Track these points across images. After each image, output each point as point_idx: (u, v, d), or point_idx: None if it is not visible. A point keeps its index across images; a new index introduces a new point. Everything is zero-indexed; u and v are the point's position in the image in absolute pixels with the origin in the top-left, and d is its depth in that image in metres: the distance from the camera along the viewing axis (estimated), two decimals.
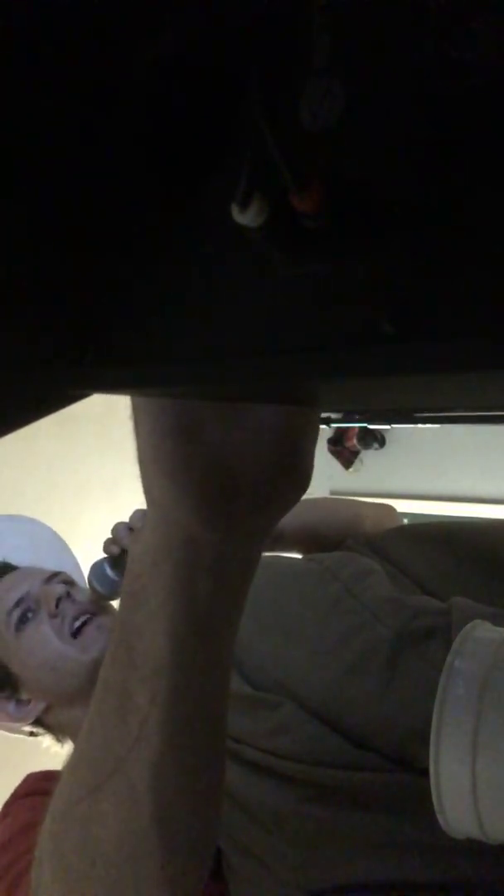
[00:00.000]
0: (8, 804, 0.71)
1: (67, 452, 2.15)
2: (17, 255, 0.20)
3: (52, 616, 0.82)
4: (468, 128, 0.16)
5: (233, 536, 0.32)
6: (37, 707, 0.83)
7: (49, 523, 1.15)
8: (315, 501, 1.03)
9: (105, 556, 0.85)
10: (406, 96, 0.17)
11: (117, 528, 0.85)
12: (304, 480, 0.34)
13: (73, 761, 0.39)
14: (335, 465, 3.08)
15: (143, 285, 0.22)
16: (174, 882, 0.37)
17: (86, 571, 0.90)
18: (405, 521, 1.04)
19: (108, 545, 0.85)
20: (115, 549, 0.84)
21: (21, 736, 0.88)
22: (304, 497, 0.36)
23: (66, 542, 1.15)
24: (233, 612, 0.36)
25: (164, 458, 0.30)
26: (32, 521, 1.10)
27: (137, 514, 0.86)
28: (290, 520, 0.92)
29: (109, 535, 0.86)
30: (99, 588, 0.84)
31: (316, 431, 0.34)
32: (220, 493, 0.31)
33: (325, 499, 1.12)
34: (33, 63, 0.19)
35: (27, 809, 0.67)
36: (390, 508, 1.06)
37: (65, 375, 0.23)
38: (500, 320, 0.16)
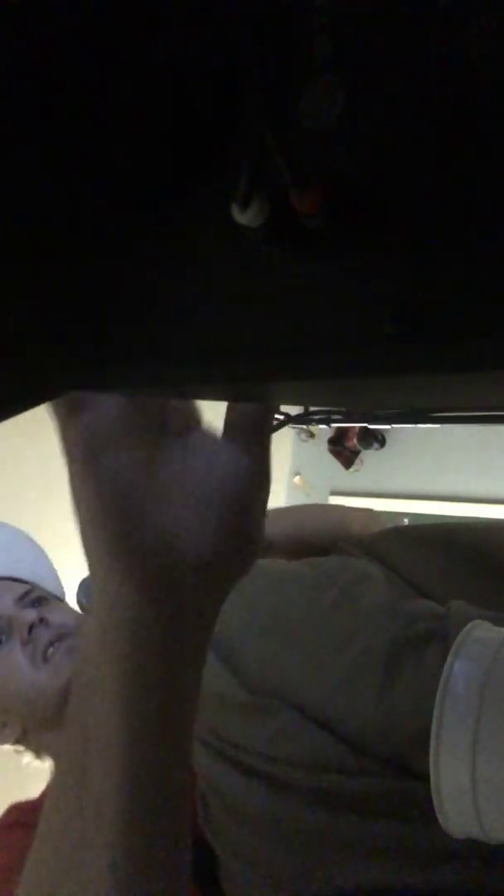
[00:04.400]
0: None
1: None
2: (18, 254, 0.20)
3: (24, 643, 0.81)
4: (469, 127, 0.16)
5: (181, 613, 0.31)
6: (13, 732, 0.82)
7: (47, 523, 1.13)
8: (301, 508, 1.03)
9: None
10: (406, 96, 0.17)
11: None
12: (253, 549, 0.33)
13: (37, 844, 0.37)
14: (335, 465, 3.08)
15: (143, 285, 0.22)
16: None
17: (76, 582, 0.89)
18: (405, 521, 1.05)
19: None
20: None
21: (9, 749, 0.88)
22: (301, 503, 0.35)
23: (64, 542, 1.13)
24: (187, 684, 0.34)
25: (105, 538, 0.29)
26: (3, 527, 1.08)
27: None
28: (278, 528, 0.92)
29: None
30: (88, 604, 0.83)
31: (266, 496, 0.33)
32: (165, 572, 0.30)
33: (310, 505, 1.12)
34: (35, 64, 0.19)
35: (10, 847, 0.65)
36: (373, 512, 1.07)
37: (65, 375, 0.23)
38: (501, 320, 0.16)
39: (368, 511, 1.06)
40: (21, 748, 0.85)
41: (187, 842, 0.38)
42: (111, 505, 0.29)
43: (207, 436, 0.33)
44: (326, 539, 0.89)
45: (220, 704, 0.63)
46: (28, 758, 0.86)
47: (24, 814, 0.71)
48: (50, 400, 0.24)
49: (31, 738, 0.83)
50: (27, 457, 2.12)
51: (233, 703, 0.63)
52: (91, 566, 0.31)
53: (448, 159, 0.16)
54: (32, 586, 0.89)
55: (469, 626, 0.50)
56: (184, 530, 0.30)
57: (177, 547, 0.30)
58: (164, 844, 0.35)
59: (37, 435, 2.09)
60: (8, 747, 0.85)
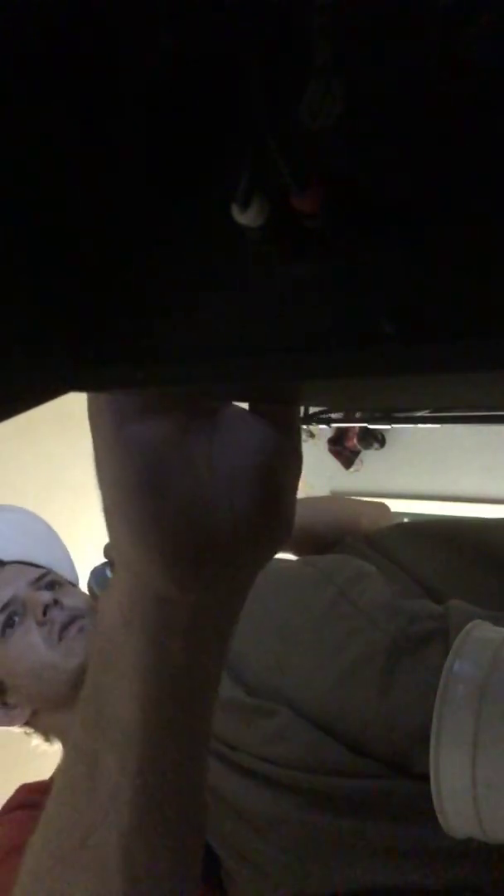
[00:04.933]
0: None
1: (67, 452, 2.15)
2: (17, 253, 0.20)
3: (40, 624, 0.81)
4: (469, 127, 0.16)
5: (207, 595, 0.30)
6: (23, 712, 0.83)
7: (49, 523, 1.14)
8: (312, 500, 1.03)
9: (105, 560, 0.85)
10: (407, 96, 0.17)
11: None
12: (284, 531, 0.31)
13: (43, 825, 0.37)
14: (335, 465, 3.08)
15: (143, 285, 0.22)
16: None
17: (86, 574, 0.89)
18: (406, 520, 1.05)
19: (108, 550, 0.84)
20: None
21: (18, 732, 0.88)
22: (304, 496, 0.34)
23: (66, 542, 1.14)
24: (211, 675, 0.34)
25: (128, 514, 0.28)
26: (21, 511, 1.06)
27: None
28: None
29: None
30: (99, 592, 0.83)
31: (297, 473, 0.32)
32: (191, 551, 0.28)
33: (321, 497, 1.12)
34: (33, 63, 0.19)
35: (16, 826, 0.65)
36: (385, 507, 1.06)
37: (65, 375, 0.23)
38: (501, 320, 0.16)
39: (380, 505, 1.06)
40: (30, 730, 0.86)
41: (201, 835, 0.37)
42: (137, 478, 0.27)
43: (237, 412, 0.31)
44: (336, 532, 0.89)
45: (218, 706, 0.63)
46: (37, 740, 0.86)
47: (33, 794, 0.71)
48: (49, 400, 0.24)
49: (41, 719, 0.84)
50: (28, 456, 2.12)
51: (230, 705, 0.63)
52: (114, 542, 0.30)
53: (448, 159, 0.16)
54: (47, 570, 0.90)
55: (469, 626, 0.50)
56: (213, 507, 0.29)
57: (205, 524, 0.28)
58: (178, 835, 0.35)
59: (37, 434, 2.09)
60: (17, 729, 0.86)
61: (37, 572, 0.88)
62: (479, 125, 0.16)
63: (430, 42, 0.16)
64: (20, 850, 0.38)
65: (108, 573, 0.83)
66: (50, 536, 1.05)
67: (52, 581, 0.87)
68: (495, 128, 0.16)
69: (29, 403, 0.22)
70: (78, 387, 0.24)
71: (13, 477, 2.05)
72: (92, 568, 0.86)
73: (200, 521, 0.28)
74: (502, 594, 0.65)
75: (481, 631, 0.50)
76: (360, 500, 1.07)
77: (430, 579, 0.72)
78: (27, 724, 0.84)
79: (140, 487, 0.27)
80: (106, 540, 0.90)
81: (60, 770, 0.36)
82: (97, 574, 0.84)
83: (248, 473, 0.29)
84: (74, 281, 0.22)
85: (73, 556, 1.10)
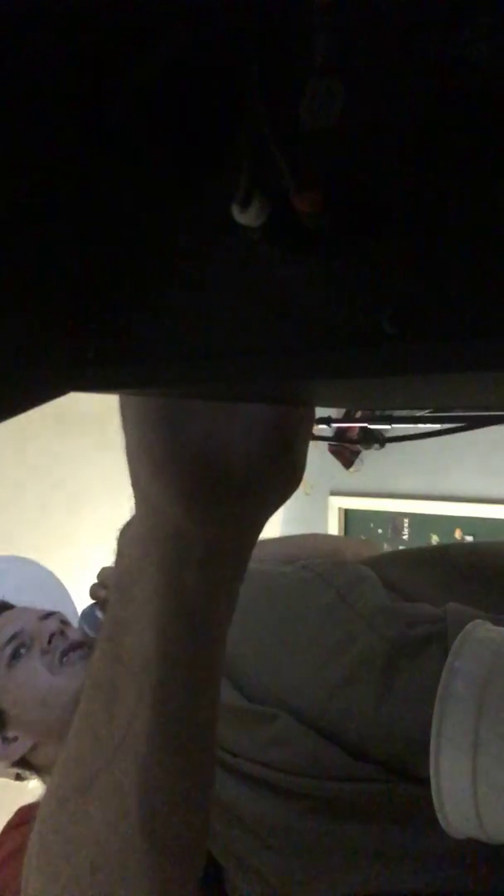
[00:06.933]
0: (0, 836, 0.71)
1: (67, 452, 2.15)
2: (18, 254, 0.20)
3: (44, 652, 0.83)
4: (469, 126, 0.16)
5: (221, 531, 0.32)
6: (24, 745, 0.83)
7: (49, 524, 1.16)
8: (294, 536, 1.06)
9: (93, 601, 0.86)
10: (407, 95, 0.17)
11: (104, 572, 0.85)
12: (295, 477, 0.33)
13: (63, 760, 0.38)
14: (335, 465, 3.08)
15: (143, 285, 0.22)
16: (160, 889, 0.36)
17: (87, 577, 0.90)
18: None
19: (95, 590, 0.86)
20: (103, 593, 0.84)
21: (9, 776, 0.88)
22: (301, 504, 0.36)
23: (66, 542, 1.16)
24: (222, 608, 0.35)
25: (149, 448, 0.30)
26: (34, 564, 1.13)
27: (106, 572, 0.86)
28: (270, 555, 0.93)
29: (96, 580, 0.86)
30: (90, 633, 0.85)
31: (310, 427, 0.34)
32: (208, 487, 0.30)
33: (304, 535, 1.14)
34: (35, 60, 0.19)
35: (18, 838, 0.66)
36: (370, 543, 1.08)
37: (65, 375, 0.23)
38: (501, 320, 0.16)
39: (365, 541, 1.08)
40: (25, 771, 0.85)
41: (211, 773, 0.38)
42: (158, 415, 0.30)
43: None
44: None
45: (219, 712, 0.63)
46: (34, 782, 0.87)
47: (32, 811, 0.71)
48: (49, 400, 0.24)
49: (40, 753, 0.84)
50: (28, 457, 2.12)
51: (230, 711, 0.63)
52: (135, 479, 0.31)
53: (448, 159, 0.16)
54: (54, 612, 0.93)
55: (470, 625, 0.50)
56: (229, 449, 0.30)
57: (221, 463, 0.30)
58: (192, 764, 0.36)
59: (37, 435, 2.10)
60: (10, 771, 0.86)
61: (46, 610, 0.91)
62: (480, 125, 0.16)
63: (430, 42, 0.16)
64: (24, 853, 0.39)
65: (98, 614, 0.85)
66: (60, 590, 1.11)
67: (60, 619, 0.90)
68: (495, 128, 0.16)
69: (29, 403, 0.22)
70: (78, 387, 0.24)
71: (13, 477, 2.05)
72: (81, 610, 0.89)
73: (217, 460, 0.30)
74: (498, 607, 0.65)
75: (482, 631, 0.50)
76: (342, 537, 1.10)
77: (424, 595, 0.72)
78: (24, 763, 0.84)
79: (161, 423, 0.29)
80: (98, 566, 0.89)
81: (80, 705, 0.38)
82: (87, 616, 0.87)
83: (264, 422, 0.31)
84: (74, 281, 0.22)
85: (73, 559, 1.12)
